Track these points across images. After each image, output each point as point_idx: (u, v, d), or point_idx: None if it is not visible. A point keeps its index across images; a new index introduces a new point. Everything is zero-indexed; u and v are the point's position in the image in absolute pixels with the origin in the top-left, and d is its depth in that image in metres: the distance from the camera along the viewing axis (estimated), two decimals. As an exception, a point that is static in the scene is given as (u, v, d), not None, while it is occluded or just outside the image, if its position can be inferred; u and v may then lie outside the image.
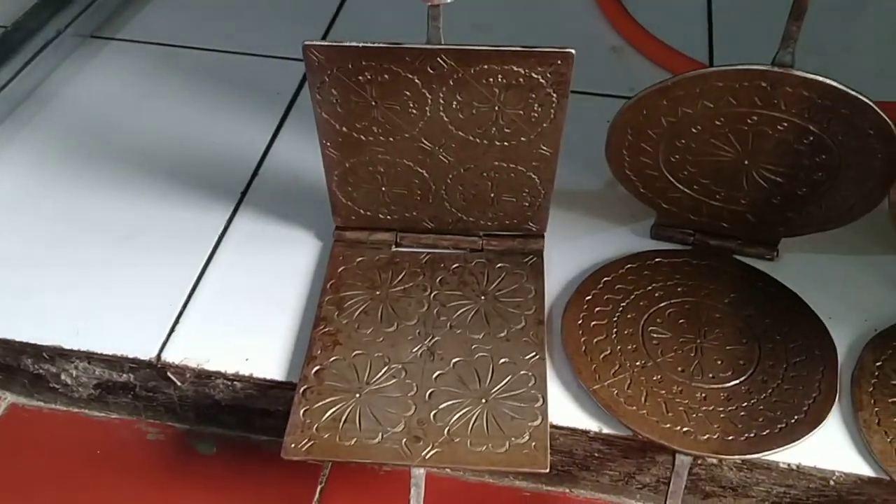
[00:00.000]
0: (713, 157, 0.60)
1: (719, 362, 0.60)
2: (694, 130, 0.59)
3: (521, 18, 0.93)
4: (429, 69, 0.54)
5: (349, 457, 0.55)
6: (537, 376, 0.59)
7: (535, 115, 0.57)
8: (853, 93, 0.52)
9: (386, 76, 0.55)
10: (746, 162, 0.60)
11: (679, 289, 0.65)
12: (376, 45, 0.53)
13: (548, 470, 0.54)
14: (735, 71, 0.54)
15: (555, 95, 0.55)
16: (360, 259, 0.66)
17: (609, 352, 0.61)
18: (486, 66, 0.54)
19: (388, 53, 0.54)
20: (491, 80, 0.55)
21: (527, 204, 0.64)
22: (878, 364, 0.60)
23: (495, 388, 0.58)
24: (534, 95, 0.55)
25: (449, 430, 0.56)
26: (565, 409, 0.58)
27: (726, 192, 0.63)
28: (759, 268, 0.66)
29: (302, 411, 0.57)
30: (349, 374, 0.59)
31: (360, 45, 0.53)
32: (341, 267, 0.66)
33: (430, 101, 0.56)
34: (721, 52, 0.87)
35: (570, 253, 0.68)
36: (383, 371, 0.59)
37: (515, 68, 0.54)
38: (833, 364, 0.60)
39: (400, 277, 0.66)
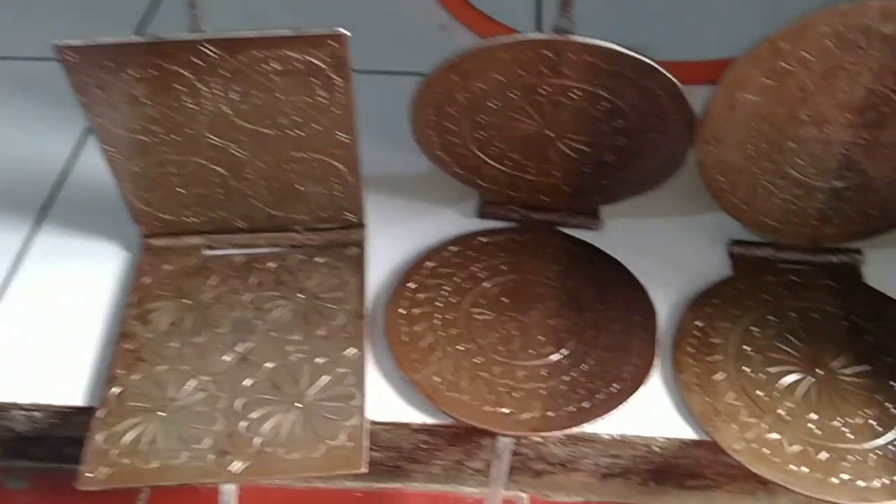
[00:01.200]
0: (517, 130, 0.59)
1: (541, 338, 0.59)
2: (492, 105, 0.57)
3: None
4: (196, 60, 0.51)
5: (152, 480, 0.52)
6: (355, 373, 0.56)
7: (323, 100, 0.54)
8: (634, 55, 0.51)
9: (152, 71, 0.51)
10: (549, 133, 0.59)
11: (503, 267, 0.63)
12: (133, 40, 0.50)
13: (365, 470, 0.52)
14: (516, 42, 0.52)
15: (337, 79, 0.53)
16: (167, 267, 0.63)
17: (432, 339, 0.59)
18: (256, 54, 0.51)
19: (147, 48, 0.50)
20: (265, 67, 0.52)
21: (338, 194, 0.61)
22: (698, 324, 0.59)
23: (311, 391, 0.56)
24: (315, 80, 0.53)
25: (261, 440, 0.53)
26: (388, 404, 0.56)
27: (537, 166, 0.62)
28: (583, 238, 0.66)
29: (100, 437, 0.53)
30: (153, 391, 0.55)
31: (115, 41, 0.49)
32: (147, 278, 0.62)
33: (205, 94, 0.53)
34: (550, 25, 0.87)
35: (394, 240, 0.66)
36: (191, 385, 0.56)
37: (288, 53, 0.51)
38: (653, 328, 0.59)
39: (212, 283, 0.62)
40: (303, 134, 0.56)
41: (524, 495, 0.59)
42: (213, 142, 0.57)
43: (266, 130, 0.56)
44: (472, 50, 0.53)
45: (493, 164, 0.62)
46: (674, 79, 0.52)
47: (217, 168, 0.59)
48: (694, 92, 0.57)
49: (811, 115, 0.56)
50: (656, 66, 0.52)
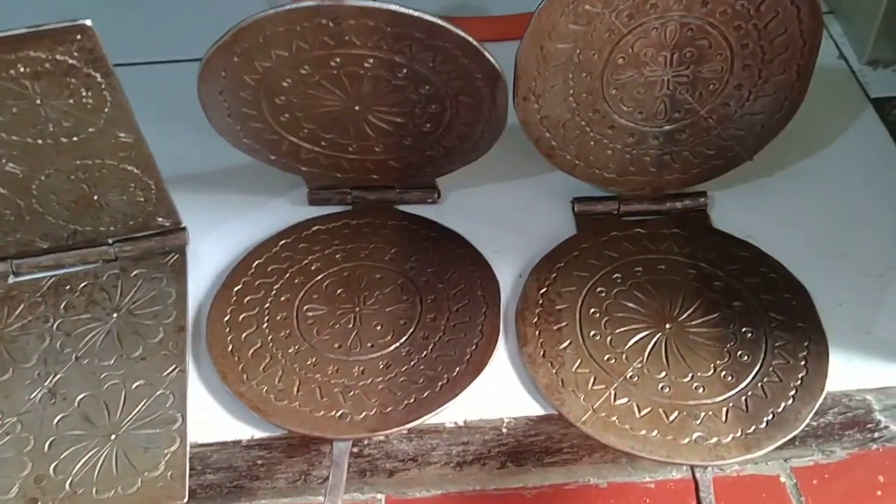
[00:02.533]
0: (321, 108, 0.54)
1: (379, 328, 0.55)
2: (286, 84, 0.52)
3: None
4: (-73, 74, 0.45)
5: (-51, 544, 0.47)
6: (176, 393, 0.52)
7: (89, 101, 0.48)
8: (415, 13, 0.47)
9: None
10: (357, 107, 0.54)
11: (338, 255, 0.59)
12: None
13: (185, 499, 0.47)
14: (286, 12, 0.47)
15: (98, 75, 0.47)
16: (-34, 302, 0.57)
17: (259, 345, 0.54)
18: (-2, 58, 0.45)
19: None
20: (13, 72, 0.46)
21: (141, 199, 0.56)
22: (542, 291, 0.56)
23: (127, 420, 0.51)
24: (73, 80, 0.47)
25: (71, 482, 0.48)
26: (214, 422, 0.52)
27: (356, 143, 0.57)
28: (423, 214, 0.62)
29: None
30: (-49, 442, 0.50)
31: None
32: (-56, 316, 0.56)
33: (-46, 110, 0.47)
34: None
35: (220, 240, 0.61)
36: (-5, 429, 0.51)
37: (33, 54, 0.45)
38: (496, 302, 0.56)
39: (17, 312, 0.56)
40: (79, 140, 0.51)
41: (381, 496, 0.56)
42: (-18, 161, 0.51)
43: (37, 140, 0.50)
44: (241, 26, 0.48)
45: (309, 146, 0.57)
46: (465, 34, 0.48)
47: (-3, 189, 0.53)
48: (503, 50, 0.53)
49: (627, 57, 0.53)
50: (441, 22, 0.47)
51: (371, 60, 0.50)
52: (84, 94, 0.48)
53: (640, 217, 0.60)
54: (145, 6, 0.80)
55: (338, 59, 0.50)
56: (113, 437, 0.50)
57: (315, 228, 0.61)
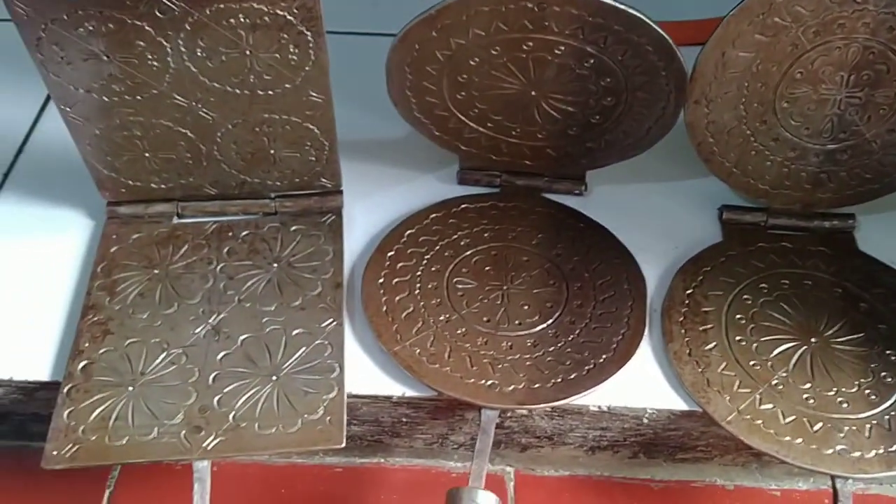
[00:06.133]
0: (499, 90, 0.56)
1: (526, 307, 0.57)
2: (472, 63, 0.54)
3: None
4: (158, 14, 0.48)
5: (121, 458, 0.49)
6: (334, 344, 0.54)
7: (294, 58, 0.51)
8: (621, 6, 0.49)
9: (111, 25, 0.48)
10: (533, 93, 0.56)
11: (486, 234, 0.61)
12: (90, -11, 0.46)
13: (343, 445, 0.49)
14: (498, -8, 0.49)
15: (309, 34, 0.50)
16: (136, 236, 0.60)
17: (412, 309, 0.56)
18: (222, 6, 0.48)
19: (105, -1, 0.47)
20: (232, 21, 0.49)
21: (313, 158, 0.59)
22: (688, 292, 0.58)
23: (288, 363, 0.53)
24: (286, 36, 0.50)
25: (235, 415, 0.51)
26: (367, 376, 0.54)
27: (521, 128, 0.59)
28: (568, 204, 0.63)
29: (66, 413, 0.51)
30: (121, 365, 0.53)
31: (71, -10, 0.46)
32: (114, 246, 0.59)
33: (169, 50, 0.50)
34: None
35: (373, 208, 0.63)
36: (161, 358, 0.53)
37: (256, 6, 0.48)
38: (642, 297, 0.57)
39: (182, 252, 0.59)
40: (273, 94, 0.53)
41: (510, 469, 0.58)
42: (179, 102, 0.54)
43: (235, 90, 0.53)
44: (449, 2, 0.50)
45: (475, 125, 0.59)
46: (663, 32, 0.50)
47: (185, 131, 0.56)
48: (683, 53, 0.55)
49: (805, 73, 0.54)
50: (645, 18, 0.49)
51: (563, 48, 0.52)
52: (292, 50, 0.50)
53: (787, 232, 0.61)
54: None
55: (531, 44, 0.52)
56: (274, 378, 0.52)
57: (464, 206, 0.63)
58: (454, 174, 0.65)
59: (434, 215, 0.62)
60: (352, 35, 0.75)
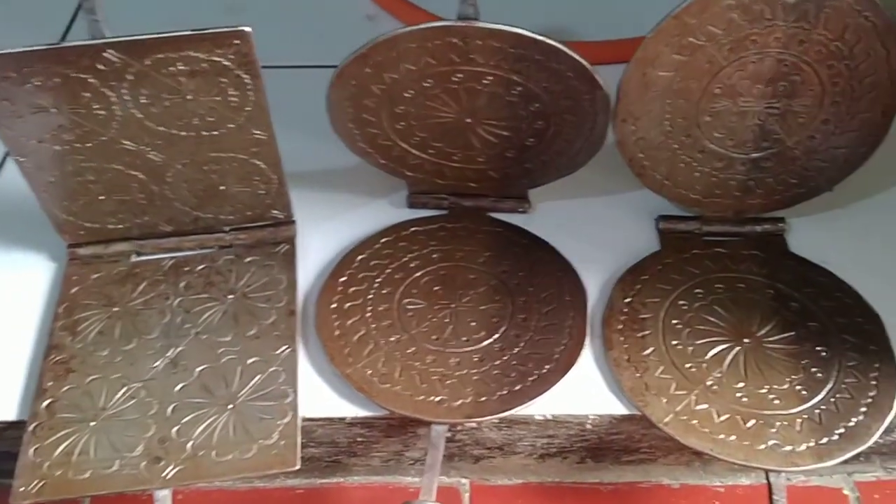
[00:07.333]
0: (436, 119, 0.59)
1: (473, 324, 0.59)
2: (408, 95, 0.57)
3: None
4: (100, 66, 0.50)
5: (84, 491, 0.51)
6: (288, 371, 0.56)
7: (234, 100, 0.54)
8: (538, 37, 0.52)
9: (56, 80, 0.50)
10: (468, 120, 0.59)
11: (434, 255, 0.64)
12: (32, 48, 0.49)
13: (298, 467, 0.52)
14: (421, 30, 0.52)
15: (246, 77, 0.52)
16: (96, 276, 0.62)
17: (364, 332, 0.59)
18: (161, 56, 0.50)
19: (47, 56, 0.49)
20: (171, 69, 0.51)
21: (262, 192, 0.61)
22: (627, 301, 0.60)
23: (243, 391, 0.55)
24: (224, 80, 0.52)
25: (192, 444, 0.53)
26: (321, 399, 0.56)
27: (462, 153, 0.62)
28: (513, 222, 0.66)
29: (32, 450, 0.53)
30: (84, 402, 0.55)
31: (14, 51, 0.48)
32: (75, 287, 0.61)
33: (114, 99, 0.52)
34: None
35: (326, 235, 0.66)
36: (121, 393, 0.55)
37: (193, 54, 0.50)
38: (583, 308, 0.60)
39: (140, 289, 0.61)
40: (218, 134, 0.56)
41: (465, 481, 0.60)
42: (128, 147, 0.56)
43: (180, 133, 0.55)
44: (378, 40, 0.53)
45: (417, 153, 0.62)
46: (581, 59, 0.52)
47: (136, 173, 0.58)
48: (613, 71, 0.57)
49: (723, 88, 0.57)
50: (561, 47, 0.52)
51: (490, 78, 0.55)
52: (231, 93, 0.53)
53: (721, 238, 0.63)
54: (256, 14, 0.86)
55: (460, 75, 0.55)
56: (230, 406, 0.55)
57: (413, 229, 0.65)
58: (405, 198, 0.67)
59: (385, 239, 0.65)
60: (299, 69, 0.77)
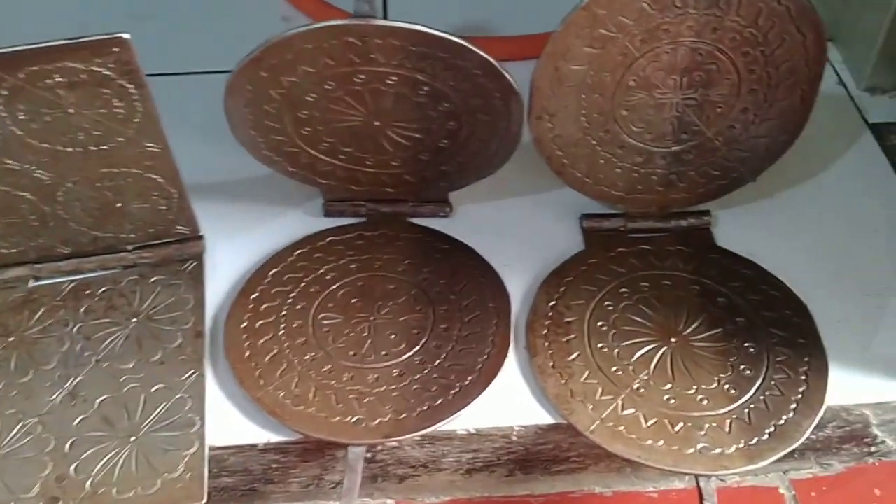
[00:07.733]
0: (343, 123, 0.56)
1: (393, 337, 0.56)
2: (310, 99, 0.54)
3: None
4: (-32, 83, 0.47)
5: (-26, 540, 0.48)
6: (195, 397, 0.53)
7: (120, 111, 0.50)
8: (439, 34, 0.49)
9: (-77, 99, 0.47)
10: (377, 123, 0.56)
11: (352, 266, 0.61)
12: None
13: (204, 500, 0.49)
14: (315, 30, 0.49)
15: (131, 86, 0.49)
16: (-11, 304, 0.58)
17: (276, 351, 0.56)
18: (35, 69, 0.47)
19: None
20: (49, 81, 0.48)
21: (163, 207, 0.57)
22: (551, 304, 0.58)
23: (147, 422, 0.52)
24: (107, 91, 0.49)
25: (92, 481, 0.50)
26: (231, 426, 0.53)
27: (374, 157, 0.59)
28: (434, 227, 0.63)
29: (-83, 498, 0.49)
30: (-26, 441, 0.51)
31: None
32: (-34, 318, 0.57)
33: (-11, 117, 0.49)
34: (396, 12, 0.83)
35: (237, 249, 0.62)
36: (17, 430, 0.52)
37: (70, 65, 0.47)
38: (506, 314, 0.57)
39: (38, 316, 0.58)
40: (108, 148, 0.52)
41: (390, 502, 0.57)
42: (12, 167, 0.52)
43: (66, 148, 0.52)
44: (271, 43, 0.50)
45: (327, 158, 0.59)
46: (486, 55, 0.50)
47: (24, 194, 0.54)
48: (528, 67, 0.55)
49: (638, 80, 0.55)
50: (465, 43, 0.49)
51: (394, 78, 0.52)
52: (116, 104, 0.50)
53: (646, 234, 0.62)
54: (163, 19, 0.82)
55: (362, 76, 0.52)
56: (133, 438, 0.51)
57: (329, 239, 0.62)
58: (321, 207, 0.64)
59: (299, 251, 0.62)
60: (206, 74, 0.74)
